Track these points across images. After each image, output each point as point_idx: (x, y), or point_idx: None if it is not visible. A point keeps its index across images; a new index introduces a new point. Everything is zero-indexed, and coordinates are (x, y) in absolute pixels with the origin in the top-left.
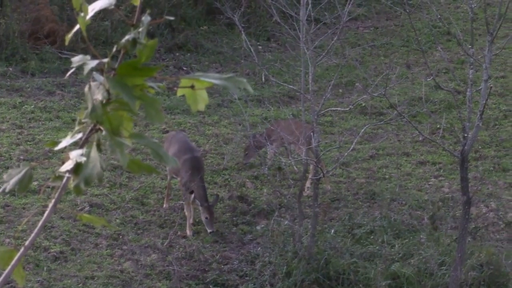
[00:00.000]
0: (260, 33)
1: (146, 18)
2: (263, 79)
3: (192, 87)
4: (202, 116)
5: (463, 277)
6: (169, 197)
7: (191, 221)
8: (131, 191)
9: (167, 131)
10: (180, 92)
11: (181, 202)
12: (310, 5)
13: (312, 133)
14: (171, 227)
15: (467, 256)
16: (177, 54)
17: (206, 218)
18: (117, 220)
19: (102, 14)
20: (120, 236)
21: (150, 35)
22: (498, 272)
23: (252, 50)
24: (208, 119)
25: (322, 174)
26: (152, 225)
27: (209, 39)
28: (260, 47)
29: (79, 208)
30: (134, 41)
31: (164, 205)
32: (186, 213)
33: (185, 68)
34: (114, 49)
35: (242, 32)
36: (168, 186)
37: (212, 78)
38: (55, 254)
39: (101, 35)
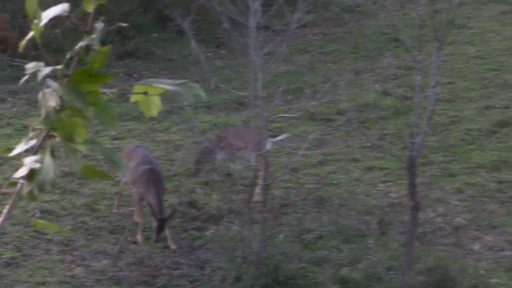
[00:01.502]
0: (209, 40)
1: (99, 25)
2: (212, 86)
3: (145, 93)
4: (152, 122)
5: (411, 281)
6: (120, 202)
7: (142, 227)
8: (82, 197)
9: (117, 138)
10: (133, 98)
11: (132, 208)
12: (259, 13)
13: (263, 139)
14: (122, 233)
15: (415, 260)
16: (128, 61)
17: (155, 229)
18: (68, 226)
19: (53, 21)
20: (71, 242)
21: (101, 42)
22: (445, 277)
23: (201, 57)
24: (158, 126)
25: (271, 180)
26: (102, 231)
27: (159, 46)
28: (209, 54)
29: (30, 214)
30: (88, 48)
31: (114, 210)
32: (137, 220)
33: (135, 75)
34: (68, 56)
35: (192, 39)
36: (119, 192)
37: (165, 84)
38: (6, 260)
39: (52, 43)
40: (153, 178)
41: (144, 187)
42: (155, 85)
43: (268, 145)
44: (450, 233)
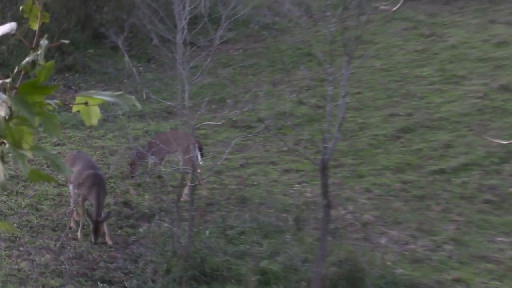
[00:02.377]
0: (141, 55)
1: (44, 42)
2: (144, 97)
3: (86, 103)
4: (90, 130)
5: (324, 272)
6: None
7: (81, 225)
8: (26, 198)
9: (58, 144)
10: (75, 108)
11: (72, 208)
12: (185, 30)
13: (192, 144)
14: (63, 230)
15: (328, 253)
16: (67, 74)
17: (93, 231)
18: (14, 224)
19: (0, 38)
20: (17, 239)
21: (44, 57)
22: (355, 268)
23: (134, 70)
24: (95, 133)
25: (198, 181)
26: (45, 228)
27: (95, 61)
28: (141, 68)
29: None
30: (34, 63)
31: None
32: (77, 219)
33: (74, 87)
34: (16, 70)
35: (125, 55)
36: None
37: (104, 96)
38: None
39: None
40: (97, 182)
41: (88, 190)
42: (95, 96)
43: (199, 159)
44: (359, 228)
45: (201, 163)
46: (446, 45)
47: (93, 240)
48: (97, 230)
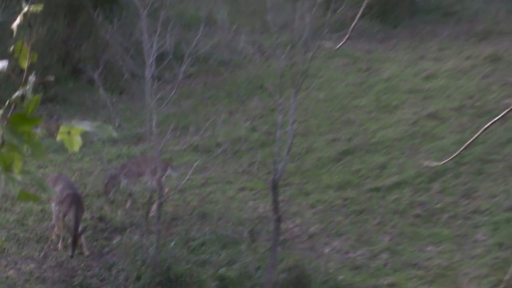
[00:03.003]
0: (114, 88)
1: (32, 78)
2: (117, 125)
3: (69, 133)
4: (69, 154)
5: (275, 278)
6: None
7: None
8: (13, 214)
9: (41, 167)
10: (59, 137)
11: (54, 222)
12: (153, 66)
13: (161, 167)
14: (46, 242)
15: (278, 262)
16: (49, 105)
17: (70, 244)
18: (3, 238)
19: None
20: (5, 250)
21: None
22: (302, 274)
23: (108, 101)
24: (73, 157)
25: (164, 199)
26: (30, 240)
27: (74, 93)
28: (114, 99)
29: None
30: (23, 97)
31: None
32: (58, 232)
33: (55, 117)
34: (7, 103)
35: (100, 88)
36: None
37: (85, 126)
38: None
39: None
40: (75, 200)
41: (67, 207)
42: (77, 126)
43: (173, 174)
44: (306, 239)
45: (174, 175)
46: (381, 78)
47: (70, 252)
48: (75, 243)
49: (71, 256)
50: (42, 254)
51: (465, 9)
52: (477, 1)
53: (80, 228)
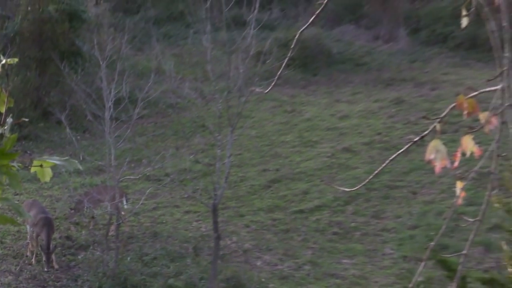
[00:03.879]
0: (78, 127)
1: (9, 120)
2: (81, 158)
3: (41, 166)
4: (40, 183)
5: (216, 287)
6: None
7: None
8: None
9: (17, 194)
10: (33, 169)
11: (28, 241)
12: (111, 109)
13: (118, 194)
14: (21, 258)
15: (218, 273)
16: (23, 142)
17: (45, 261)
18: None
19: None
20: None
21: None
22: (239, 284)
23: (73, 139)
24: (44, 186)
25: (121, 220)
26: (8, 256)
27: (44, 132)
28: (78, 137)
29: None
30: (1, 136)
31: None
32: (32, 249)
33: (28, 152)
34: None
35: (67, 127)
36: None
37: (54, 160)
38: None
39: None
40: (47, 223)
41: (40, 229)
42: (48, 160)
43: (124, 203)
44: (241, 254)
45: (125, 207)
46: (303, 118)
47: (45, 268)
48: (48, 259)
49: (47, 271)
50: (18, 268)
51: (373, 60)
52: (383, 53)
53: (51, 247)
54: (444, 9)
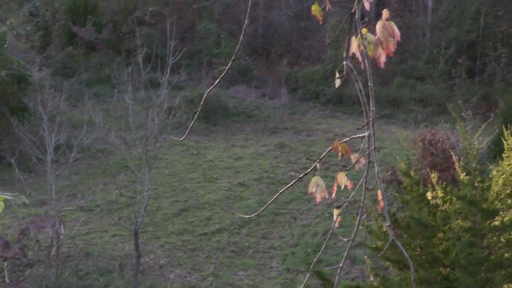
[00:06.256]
0: (25, 169)
1: None
2: (27, 194)
3: None
4: None
5: None
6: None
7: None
8: None
9: None
10: None
11: None
12: (52, 153)
13: (58, 222)
14: None
15: (139, 284)
16: None
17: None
18: None
19: None
20: None
21: None
22: None
23: (21, 178)
24: None
25: (60, 243)
26: None
27: None
28: (25, 176)
29: None
30: None
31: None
32: None
33: None
34: None
35: (16, 168)
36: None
37: (6, 195)
38: None
39: None
40: (1, 244)
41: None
42: (0, 195)
43: (62, 229)
44: (157, 269)
45: (63, 232)
46: (206, 159)
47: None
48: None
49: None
50: None
51: (261, 113)
52: (268, 108)
53: (5, 264)
54: (317, 72)
